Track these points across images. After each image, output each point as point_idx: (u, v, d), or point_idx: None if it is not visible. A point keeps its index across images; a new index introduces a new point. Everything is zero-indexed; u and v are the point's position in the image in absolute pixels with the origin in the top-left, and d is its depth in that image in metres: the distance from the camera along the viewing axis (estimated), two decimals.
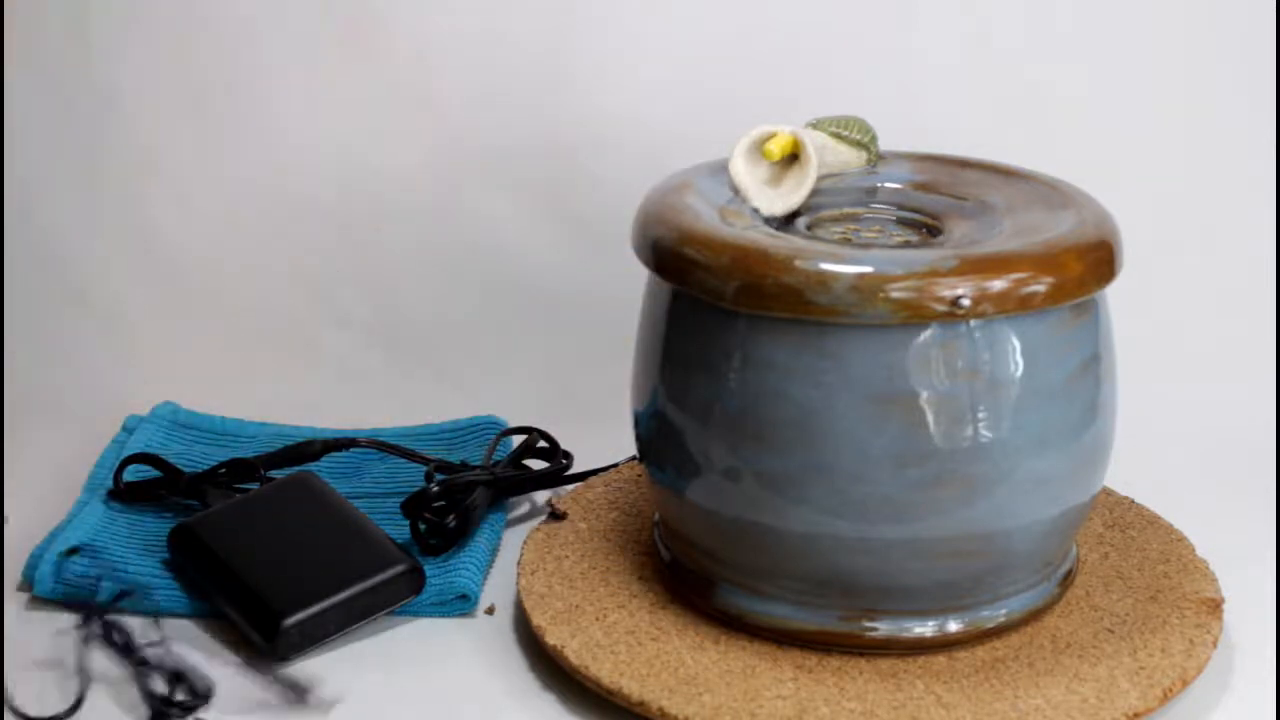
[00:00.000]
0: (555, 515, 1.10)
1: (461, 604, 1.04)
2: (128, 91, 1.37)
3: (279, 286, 1.37)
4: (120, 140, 1.37)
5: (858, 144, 1.04)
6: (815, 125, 1.03)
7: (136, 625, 0.98)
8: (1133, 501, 1.11)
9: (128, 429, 1.21)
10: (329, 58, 1.36)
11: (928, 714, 0.91)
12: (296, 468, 1.13)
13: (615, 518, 1.10)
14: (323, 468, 1.15)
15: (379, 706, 0.96)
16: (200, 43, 1.37)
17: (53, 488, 1.16)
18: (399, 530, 1.07)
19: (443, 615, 1.04)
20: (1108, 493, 1.11)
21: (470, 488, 1.09)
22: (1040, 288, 0.90)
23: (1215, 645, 0.97)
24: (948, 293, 0.88)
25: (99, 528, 1.08)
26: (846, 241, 0.97)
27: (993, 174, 1.03)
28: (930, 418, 0.90)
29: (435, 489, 1.07)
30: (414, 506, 1.07)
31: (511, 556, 1.09)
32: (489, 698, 0.97)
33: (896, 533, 0.92)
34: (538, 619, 0.99)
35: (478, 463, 1.15)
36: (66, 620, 1.00)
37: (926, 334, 0.90)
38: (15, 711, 0.90)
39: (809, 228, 1.00)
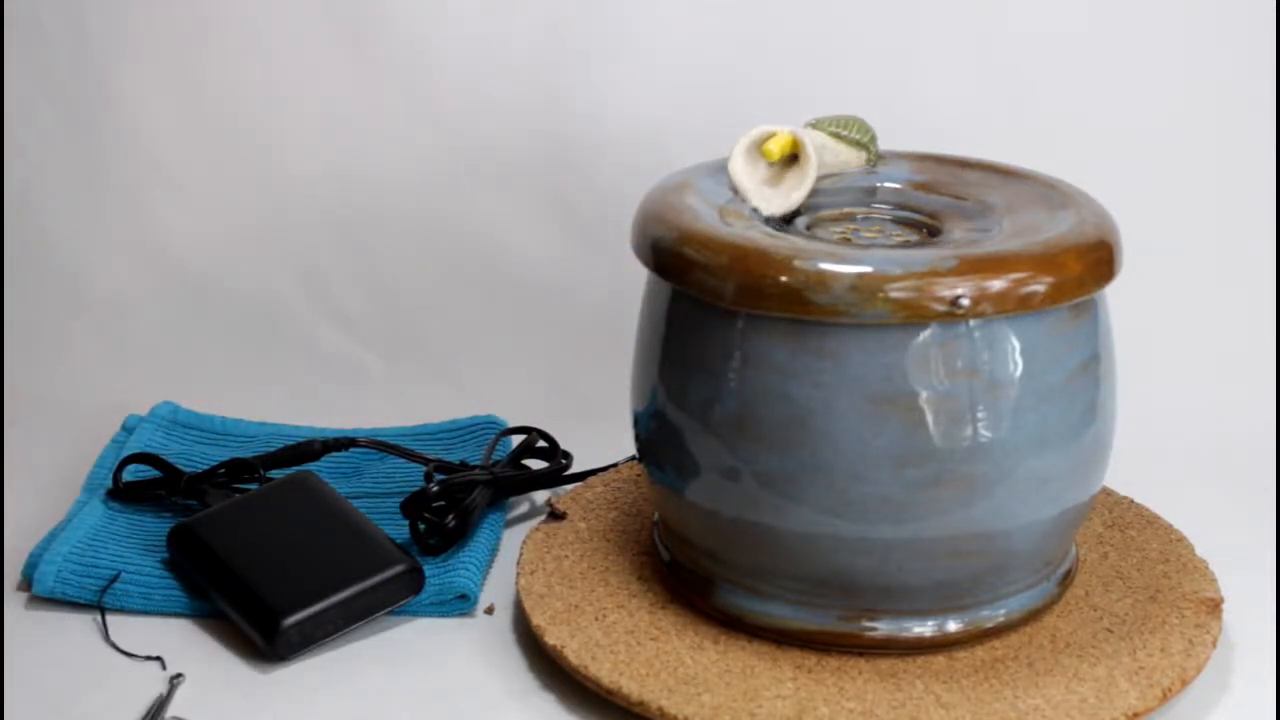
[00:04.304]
0: (555, 515, 1.10)
1: (461, 604, 1.04)
2: (128, 91, 1.37)
3: (279, 286, 1.37)
4: (120, 140, 1.37)
5: (857, 144, 1.04)
6: (815, 125, 1.03)
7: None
8: (1132, 501, 1.11)
9: (127, 429, 1.21)
10: (329, 58, 1.36)
11: (927, 714, 0.91)
12: (296, 468, 1.13)
13: (615, 518, 1.10)
14: (323, 468, 1.15)
15: (379, 706, 0.96)
16: (200, 43, 1.37)
17: (53, 488, 1.16)
18: (399, 530, 1.07)
19: (442, 615, 1.04)
20: (1108, 493, 1.11)
21: (470, 487, 1.09)
22: (1039, 288, 0.90)
23: (1215, 645, 0.97)
24: (947, 293, 0.88)
25: (98, 527, 1.08)
26: (846, 241, 0.97)
27: (992, 174, 1.03)
28: (929, 418, 0.90)
29: (435, 489, 1.07)
30: (414, 506, 1.07)
31: (511, 556, 1.09)
32: (489, 697, 0.97)
33: (896, 533, 0.92)
34: (537, 619, 0.99)
35: (477, 463, 1.15)
36: (66, 619, 1.01)
37: (926, 334, 0.90)
38: None
39: (809, 228, 1.00)
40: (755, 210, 0.99)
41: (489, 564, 1.08)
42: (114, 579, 1.03)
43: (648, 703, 0.92)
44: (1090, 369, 0.94)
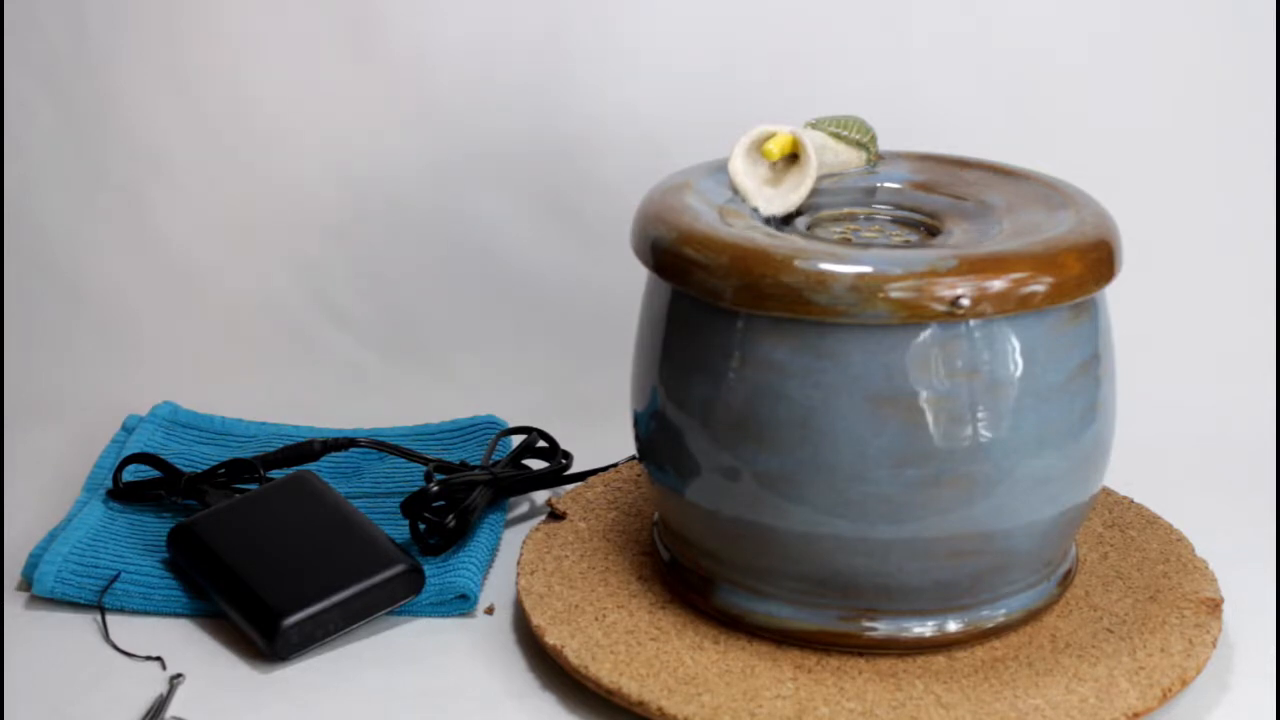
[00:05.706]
0: (555, 515, 1.10)
1: (461, 604, 1.04)
2: (128, 91, 1.37)
3: (279, 286, 1.37)
4: (120, 140, 1.37)
5: (857, 144, 1.04)
6: (815, 125, 1.03)
7: None
8: (1132, 501, 1.11)
9: (127, 429, 1.21)
10: (329, 57, 1.36)
11: (927, 714, 0.91)
12: (296, 468, 1.13)
13: (615, 518, 1.10)
14: (323, 468, 1.15)
15: (379, 706, 0.96)
16: (200, 43, 1.37)
17: (53, 488, 1.16)
18: (399, 530, 1.07)
19: (442, 615, 1.04)
20: (1108, 493, 1.11)
21: (470, 487, 1.09)
22: (1039, 287, 0.90)
23: (1215, 645, 0.97)
24: (947, 293, 0.88)
25: (98, 527, 1.08)
26: (846, 241, 0.97)
27: (992, 174, 1.03)
28: (929, 418, 0.90)
29: (435, 489, 1.07)
30: (414, 506, 1.07)
31: (511, 556, 1.09)
32: (489, 697, 0.96)
33: (896, 533, 0.92)
34: (537, 619, 0.99)
35: (477, 463, 1.15)
36: (66, 619, 1.01)
37: (926, 334, 0.90)
38: None
39: (809, 228, 1.00)
40: (755, 210, 0.99)
41: (489, 564, 1.08)
42: (114, 579, 1.03)
43: (648, 703, 0.92)
44: (1090, 369, 0.94)
